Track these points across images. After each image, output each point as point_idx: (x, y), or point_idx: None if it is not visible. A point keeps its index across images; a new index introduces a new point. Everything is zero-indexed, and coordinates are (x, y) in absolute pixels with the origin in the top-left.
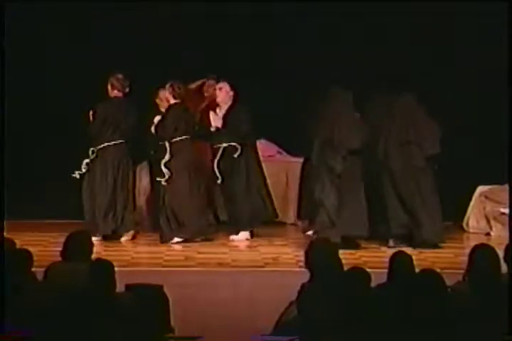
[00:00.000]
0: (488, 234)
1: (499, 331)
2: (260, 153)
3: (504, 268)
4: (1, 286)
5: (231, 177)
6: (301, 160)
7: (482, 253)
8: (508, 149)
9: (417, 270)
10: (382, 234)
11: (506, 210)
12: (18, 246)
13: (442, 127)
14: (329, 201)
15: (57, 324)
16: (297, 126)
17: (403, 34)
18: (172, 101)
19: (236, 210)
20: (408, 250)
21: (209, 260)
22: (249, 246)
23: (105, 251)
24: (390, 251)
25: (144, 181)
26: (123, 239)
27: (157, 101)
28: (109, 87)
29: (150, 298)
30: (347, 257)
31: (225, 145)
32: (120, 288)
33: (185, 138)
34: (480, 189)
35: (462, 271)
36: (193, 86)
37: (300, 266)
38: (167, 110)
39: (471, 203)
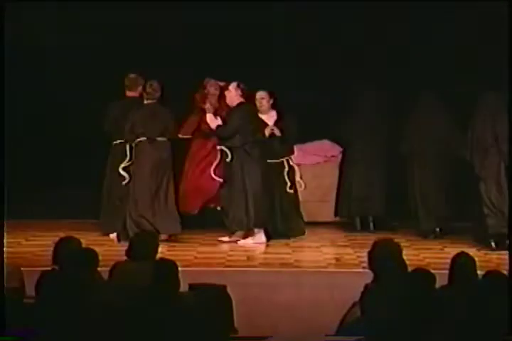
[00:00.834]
0: None
1: None
2: (323, 154)
3: None
4: (1, 286)
5: (228, 180)
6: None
7: None
8: None
9: (481, 272)
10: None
11: None
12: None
13: None
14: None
15: (123, 323)
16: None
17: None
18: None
19: (228, 213)
20: (471, 251)
21: (272, 260)
22: (311, 247)
23: (169, 250)
24: (453, 252)
25: None
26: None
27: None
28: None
29: (214, 297)
30: (410, 258)
31: (218, 148)
32: (184, 287)
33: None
34: None
35: None
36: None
37: (363, 267)
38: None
39: None
